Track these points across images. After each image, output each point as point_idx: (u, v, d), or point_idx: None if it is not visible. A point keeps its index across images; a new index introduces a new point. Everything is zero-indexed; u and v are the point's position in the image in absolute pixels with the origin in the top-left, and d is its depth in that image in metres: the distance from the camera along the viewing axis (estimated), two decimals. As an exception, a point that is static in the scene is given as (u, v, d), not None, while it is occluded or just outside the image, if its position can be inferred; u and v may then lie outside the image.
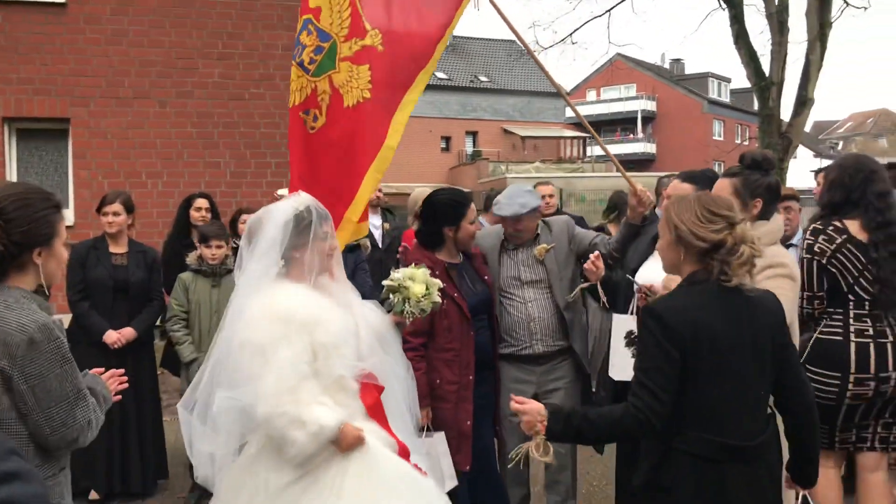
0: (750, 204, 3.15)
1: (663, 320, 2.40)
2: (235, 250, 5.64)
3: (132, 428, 5.04)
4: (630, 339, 3.56)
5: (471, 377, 3.79)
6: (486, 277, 4.06)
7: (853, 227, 3.56)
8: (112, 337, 4.90)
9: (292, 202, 3.00)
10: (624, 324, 3.68)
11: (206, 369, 2.93)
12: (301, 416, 2.63)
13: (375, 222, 7.60)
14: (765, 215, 3.19)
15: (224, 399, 2.77)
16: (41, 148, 8.86)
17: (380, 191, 7.50)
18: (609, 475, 5.20)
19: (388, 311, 3.31)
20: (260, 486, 2.70)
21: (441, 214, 3.89)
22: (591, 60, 69.26)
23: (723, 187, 3.20)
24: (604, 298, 3.80)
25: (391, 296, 3.32)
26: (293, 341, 2.71)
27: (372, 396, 2.93)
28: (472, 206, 3.96)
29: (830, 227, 3.58)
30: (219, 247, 5.03)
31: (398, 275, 3.33)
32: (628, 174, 4.15)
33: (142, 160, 8.73)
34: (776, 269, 3.01)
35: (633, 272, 3.79)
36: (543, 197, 6.72)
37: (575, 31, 15.86)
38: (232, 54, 9.00)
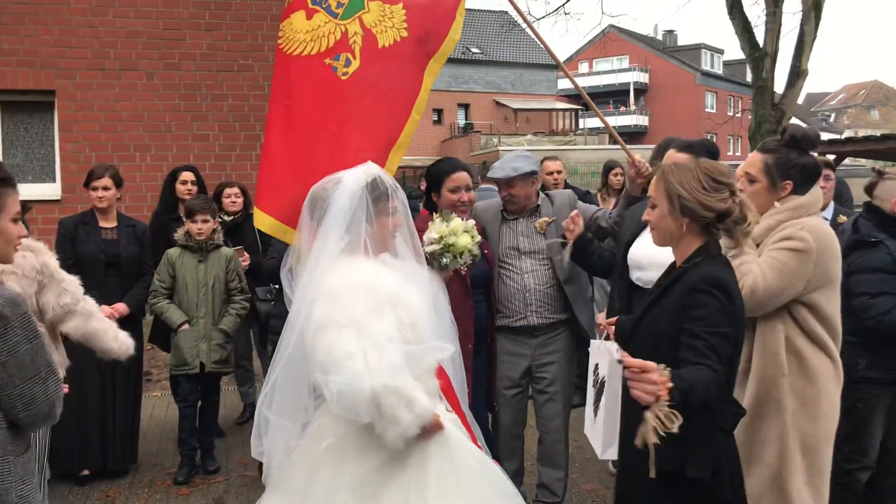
0: (779, 185, 2.98)
1: (731, 295, 2.32)
2: (223, 224, 5.62)
3: (111, 404, 4.96)
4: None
5: (470, 346, 3.77)
6: (486, 252, 4.02)
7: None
8: (105, 312, 4.83)
9: (364, 170, 2.80)
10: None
11: (278, 365, 2.71)
12: (411, 395, 2.43)
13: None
14: (797, 193, 3.00)
15: (334, 383, 2.46)
16: (26, 121, 8.72)
17: None
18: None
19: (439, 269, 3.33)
20: (340, 479, 2.50)
21: (430, 182, 3.96)
22: (584, 32, 68.70)
23: (753, 162, 3.02)
24: (569, 248, 3.83)
25: (443, 257, 3.39)
26: (385, 316, 2.53)
27: (444, 377, 2.77)
28: (456, 175, 3.88)
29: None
30: (205, 221, 4.95)
31: (437, 234, 3.40)
32: (620, 147, 4.14)
33: (129, 133, 8.61)
34: (788, 241, 2.87)
35: (628, 245, 3.75)
36: (551, 173, 6.68)
37: (567, 1, 15.61)
38: (220, 25, 8.86)
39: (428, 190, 4.02)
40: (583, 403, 3.13)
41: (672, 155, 3.80)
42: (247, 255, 5.36)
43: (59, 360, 3.56)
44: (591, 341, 3.33)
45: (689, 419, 2.10)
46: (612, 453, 3.15)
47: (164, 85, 8.69)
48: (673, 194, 2.42)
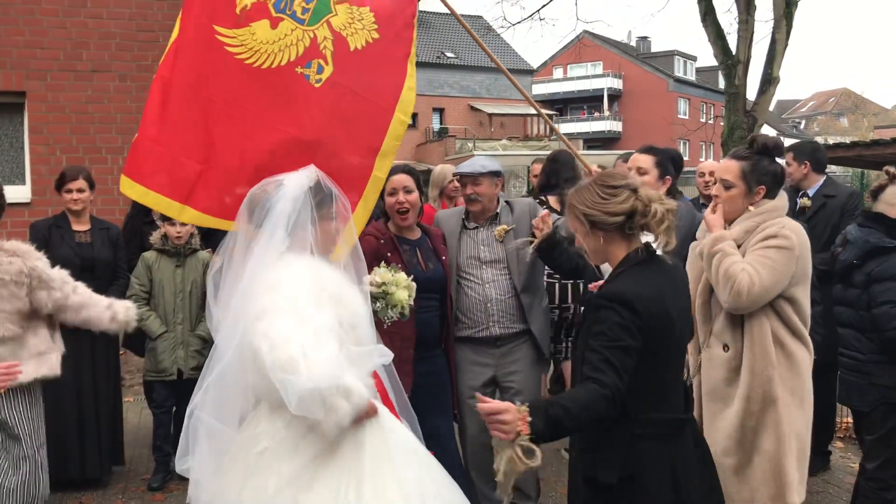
0: (754, 190, 3.16)
1: (634, 308, 2.33)
2: (200, 228, 5.56)
3: (91, 411, 4.90)
4: None
5: (411, 351, 3.76)
6: (443, 258, 4.03)
7: (552, 200, 5.08)
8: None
9: (306, 174, 2.80)
10: None
11: (215, 367, 2.66)
12: (348, 386, 2.42)
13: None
14: (768, 198, 3.20)
15: (292, 385, 2.38)
16: (-4, 122, 8.58)
17: None
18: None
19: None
20: (270, 479, 2.47)
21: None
22: (559, 37, 69.12)
23: (730, 168, 3.19)
24: (534, 249, 3.83)
25: (376, 302, 3.33)
26: (326, 310, 2.53)
27: (379, 381, 2.80)
28: (393, 178, 3.89)
29: (538, 200, 4.82)
30: (183, 224, 4.88)
31: (380, 279, 3.37)
32: (593, 153, 4.22)
33: (101, 135, 8.49)
34: (774, 239, 3.04)
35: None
36: (537, 175, 6.64)
37: (543, 6, 15.66)
38: (195, 27, 8.77)
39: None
40: None
41: (636, 157, 4.03)
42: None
43: (56, 346, 3.74)
44: None
45: (605, 427, 2.31)
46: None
47: (137, 87, 8.58)
48: (580, 214, 2.50)
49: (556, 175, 5.16)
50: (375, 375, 2.76)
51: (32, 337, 3.63)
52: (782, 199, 3.21)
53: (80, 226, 5.01)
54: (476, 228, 4.14)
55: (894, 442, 3.64)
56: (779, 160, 3.29)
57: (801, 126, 61.68)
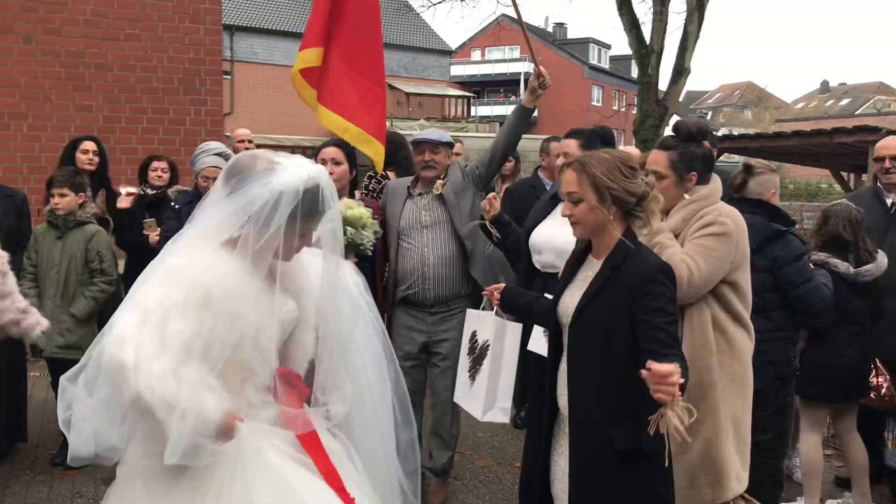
0: (686, 177, 3.15)
1: (673, 279, 2.48)
2: (143, 197, 5.44)
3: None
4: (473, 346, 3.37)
5: None
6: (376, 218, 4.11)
7: (392, 175, 5.27)
8: None
9: (304, 171, 2.30)
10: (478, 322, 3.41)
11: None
12: (185, 407, 2.07)
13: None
14: (701, 183, 3.19)
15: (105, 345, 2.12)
16: None
17: (250, 141, 7.35)
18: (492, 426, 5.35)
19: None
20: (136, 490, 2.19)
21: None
22: (480, 19, 69.30)
23: (658, 160, 3.17)
24: (496, 234, 3.80)
25: (346, 231, 3.45)
26: (190, 318, 2.14)
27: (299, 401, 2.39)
28: (323, 150, 4.11)
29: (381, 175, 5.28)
30: (62, 195, 4.67)
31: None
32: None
33: (4, 99, 8.10)
34: (711, 227, 3.03)
35: (528, 232, 3.86)
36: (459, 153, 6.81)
37: (464, -12, 15.70)
38: (106, -10, 8.44)
39: None
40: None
41: (566, 142, 3.97)
42: (159, 229, 5.12)
43: None
44: (468, 311, 3.48)
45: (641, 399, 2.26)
46: (494, 415, 3.25)
47: (43, 51, 8.22)
48: (602, 186, 2.51)
49: (396, 153, 5.37)
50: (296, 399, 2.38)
51: None
52: (716, 183, 3.22)
53: (-18, 193, 4.79)
54: (420, 195, 4.26)
55: (785, 413, 3.87)
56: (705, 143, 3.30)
57: (708, 117, 63.81)
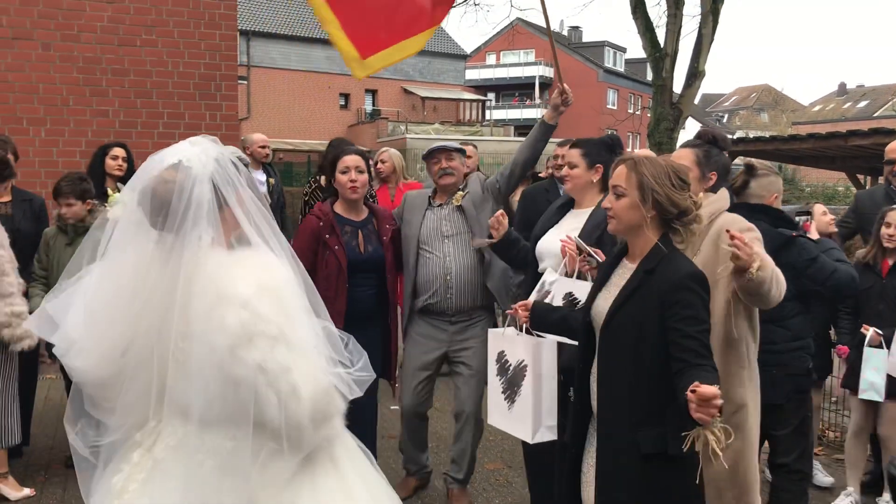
0: (707, 175, 3.22)
1: (706, 286, 2.47)
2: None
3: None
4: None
5: (341, 325, 3.84)
6: (383, 238, 4.15)
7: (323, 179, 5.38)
8: None
9: (211, 151, 2.31)
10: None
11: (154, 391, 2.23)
12: (339, 399, 2.28)
13: (260, 178, 7.48)
14: (714, 190, 3.24)
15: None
16: None
17: (266, 146, 7.40)
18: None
19: None
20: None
21: (325, 166, 4.26)
22: (493, 23, 69.39)
23: (684, 155, 3.23)
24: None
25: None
26: (301, 318, 2.25)
27: None
28: (346, 157, 4.06)
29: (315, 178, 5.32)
30: (69, 205, 4.74)
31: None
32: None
33: (22, 105, 8.21)
34: (752, 232, 3.03)
35: (536, 239, 3.85)
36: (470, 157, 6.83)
37: (478, -8, 15.71)
38: (122, -3, 8.54)
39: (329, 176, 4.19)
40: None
41: (570, 153, 3.94)
42: None
43: None
44: (490, 331, 3.38)
45: (666, 404, 2.31)
46: (543, 435, 3.11)
47: (61, 57, 8.32)
48: (647, 187, 2.52)
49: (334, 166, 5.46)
50: None
51: None
52: (723, 192, 3.25)
53: (2, 197, 4.86)
54: (440, 206, 4.30)
55: (806, 430, 3.72)
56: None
57: (724, 120, 63.56)
